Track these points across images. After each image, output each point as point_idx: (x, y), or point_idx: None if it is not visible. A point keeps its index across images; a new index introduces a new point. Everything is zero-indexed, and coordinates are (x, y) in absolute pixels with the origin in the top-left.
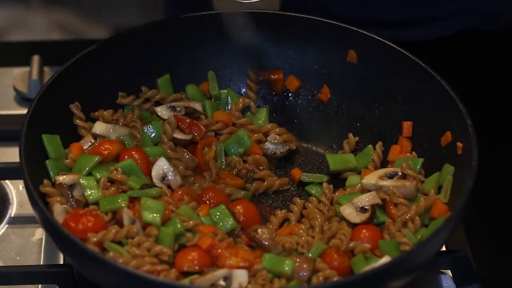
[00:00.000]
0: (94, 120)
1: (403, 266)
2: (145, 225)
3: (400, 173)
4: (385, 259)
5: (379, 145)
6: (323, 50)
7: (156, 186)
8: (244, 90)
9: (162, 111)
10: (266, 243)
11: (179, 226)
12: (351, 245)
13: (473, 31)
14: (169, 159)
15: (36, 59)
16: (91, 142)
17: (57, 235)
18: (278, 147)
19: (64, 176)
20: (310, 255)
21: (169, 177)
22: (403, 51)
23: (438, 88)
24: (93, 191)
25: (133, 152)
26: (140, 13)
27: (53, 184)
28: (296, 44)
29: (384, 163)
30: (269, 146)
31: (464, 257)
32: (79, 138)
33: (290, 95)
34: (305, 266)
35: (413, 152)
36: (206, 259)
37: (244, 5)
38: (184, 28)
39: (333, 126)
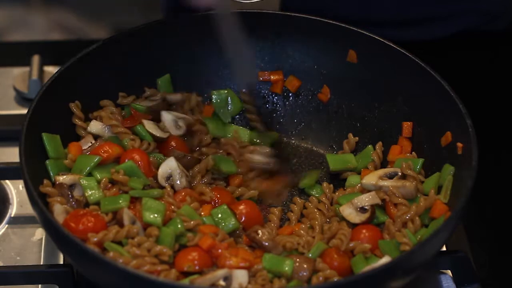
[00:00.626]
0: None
1: (403, 266)
2: (146, 226)
3: (400, 173)
4: (385, 259)
5: (379, 145)
6: (323, 50)
7: (159, 186)
8: (244, 90)
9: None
10: (266, 244)
11: (179, 226)
12: (351, 245)
13: (473, 31)
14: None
15: (36, 59)
16: (91, 142)
17: (57, 235)
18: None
19: (64, 176)
20: (310, 255)
21: (176, 178)
22: (403, 51)
23: (438, 88)
24: (93, 191)
25: (134, 154)
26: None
27: (53, 184)
28: (296, 44)
29: (384, 163)
30: (258, 158)
31: (464, 257)
32: (79, 138)
33: (290, 95)
34: (305, 266)
35: (413, 152)
36: (207, 259)
37: (244, 5)
38: (184, 28)
39: (333, 126)
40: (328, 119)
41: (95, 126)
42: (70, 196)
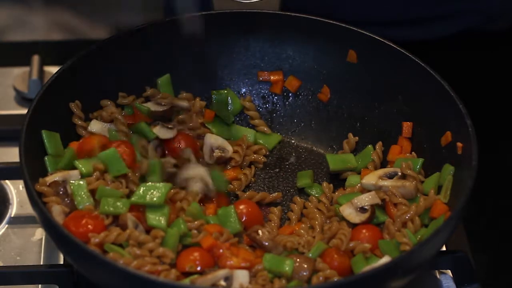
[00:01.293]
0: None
1: (403, 266)
2: (148, 229)
3: (399, 173)
4: (385, 259)
5: (379, 145)
6: (323, 50)
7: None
8: (244, 90)
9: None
10: (267, 243)
11: (182, 227)
12: (351, 245)
13: (473, 31)
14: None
15: (36, 59)
16: None
17: (57, 235)
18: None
19: (53, 175)
20: (310, 255)
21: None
22: (403, 51)
23: (438, 88)
24: (82, 197)
25: (119, 144)
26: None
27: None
28: (296, 44)
29: (384, 163)
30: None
31: (464, 257)
32: (79, 138)
33: (290, 95)
34: (305, 266)
35: (413, 152)
36: (208, 260)
37: (244, 5)
38: (184, 28)
39: (333, 126)
40: (328, 119)
41: (95, 125)
42: (64, 193)
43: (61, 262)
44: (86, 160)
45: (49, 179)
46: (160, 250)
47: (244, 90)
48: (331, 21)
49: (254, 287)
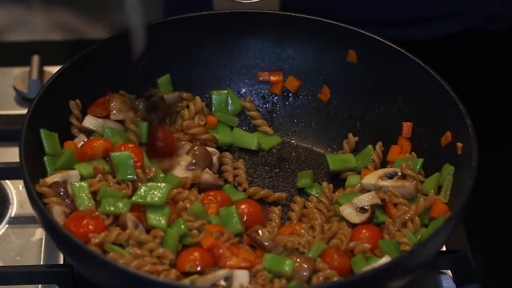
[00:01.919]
0: None
1: (403, 266)
2: (148, 228)
3: (399, 173)
4: (385, 259)
5: (379, 145)
6: (323, 50)
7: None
8: (244, 90)
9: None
10: (267, 243)
11: (183, 227)
12: (351, 245)
13: (473, 31)
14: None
15: (36, 59)
16: (83, 141)
17: (57, 235)
18: None
19: (54, 175)
20: (310, 255)
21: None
22: (403, 51)
23: (438, 88)
24: (83, 199)
25: (131, 146)
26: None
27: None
28: (296, 44)
29: (384, 163)
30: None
31: (464, 257)
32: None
33: (290, 95)
34: (305, 266)
35: (412, 153)
36: (208, 260)
37: (244, 5)
38: (184, 28)
39: (333, 126)
40: (328, 119)
41: (90, 121)
42: (64, 193)
43: (61, 262)
44: (87, 163)
45: (50, 179)
46: (160, 251)
47: (244, 90)
48: (331, 21)
49: (254, 287)
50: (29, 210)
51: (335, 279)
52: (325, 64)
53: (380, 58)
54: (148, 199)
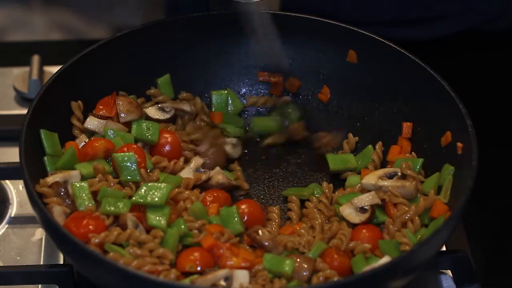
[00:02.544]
0: None
1: (403, 266)
2: (148, 228)
3: (399, 173)
4: (385, 259)
5: (379, 145)
6: (323, 50)
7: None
8: (244, 90)
9: (151, 111)
10: (267, 243)
11: (183, 227)
12: (351, 245)
13: (473, 31)
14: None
15: (36, 59)
16: (85, 141)
17: (57, 236)
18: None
19: (54, 175)
20: (310, 255)
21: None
22: (403, 51)
23: (438, 88)
24: (83, 199)
25: (134, 147)
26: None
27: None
28: (296, 44)
29: (383, 163)
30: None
31: (464, 257)
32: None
33: (290, 95)
34: (305, 266)
35: (412, 153)
36: (208, 260)
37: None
38: (184, 28)
39: (333, 126)
40: (328, 119)
41: (92, 122)
42: (64, 193)
43: (61, 262)
44: (88, 163)
45: (50, 179)
46: (160, 251)
47: (244, 90)
48: (331, 21)
49: (254, 287)
50: (29, 210)
51: (335, 279)
52: (325, 64)
53: (380, 58)
54: (149, 199)
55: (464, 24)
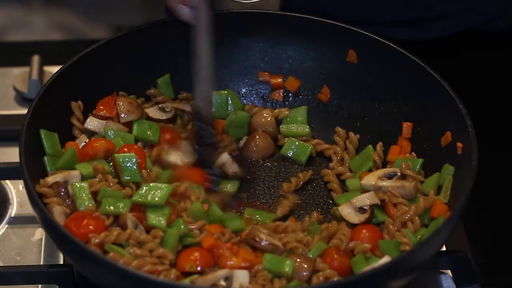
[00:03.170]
0: None
1: (403, 266)
2: (148, 228)
3: (399, 174)
4: (385, 259)
5: (379, 145)
6: (323, 50)
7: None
8: (244, 90)
9: (152, 111)
10: (267, 247)
11: (183, 227)
12: (351, 245)
13: (473, 31)
14: None
15: (36, 59)
16: (85, 142)
17: (57, 236)
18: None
19: (54, 175)
20: (310, 255)
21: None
22: (403, 51)
23: (438, 88)
24: (83, 199)
25: (136, 147)
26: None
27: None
28: (296, 44)
29: (383, 164)
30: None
31: (464, 257)
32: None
33: (290, 95)
34: (305, 266)
35: (412, 153)
36: (208, 260)
37: (244, 5)
38: (184, 28)
39: (333, 126)
40: (328, 119)
41: (92, 122)
42: (64, 193)
43: (61, 262)
44: (88, 163)
45: (50, 180)
46: (160, 251)
47: (244, 90)
48: (331, 21)
49: (254, 287)
50: (29, 210)
51: (335, 279)
52: (325, 64)
53: (380, 58)
54: (149, 198)
55: (464, 24)
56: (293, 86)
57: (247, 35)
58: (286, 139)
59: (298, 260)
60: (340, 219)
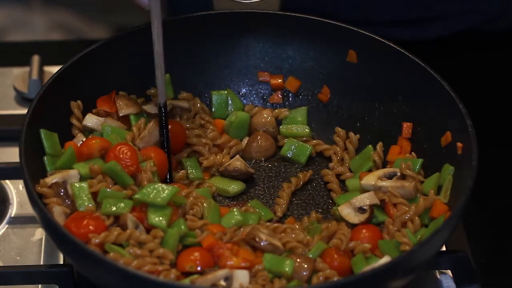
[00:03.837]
0: None
1: (403, 266)
2: (149, 228)
3: (399, 174)
4: (385, 259)
5: (380, 145)
6: (323, 50)
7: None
8: (244, 90)
9: (149, 108)
10: (266, 247)
11: (183, 227)
12: (351, 245)
13: (473, 31)
14: None
15: (36, 59)
16: (82, 140)
17: (57, 236)
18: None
19: (53, 175)
20: (310, 255)
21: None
22: (403, 51)
23: (438, 88)
24: (83, 200)
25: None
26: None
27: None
28: (296, 44)
29: (383, 164)
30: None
31: (464, 257)
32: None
33: (290, 95)
34: (305, 266)
35: (412, 153)
36: (208, 260)
37: (244, 5)
38: (184, 28)
39: (333, 126)
40: (328, 119)
41: (90, 120)
42: (65, 193)
43: (61, 262)
44: (85, 163)
45: (50, 180)
46: (160, 251)
47: (244, 90)
48: (331, 21)
49: (254, 287)
50: (29, 210)
51: (335, 279)
52: (325, 64)
53: (380, 58)
54: (151, 197)
55: (464, 24)
56: (293, 86)
57: (247, 35)
58: (286, 139)
59: (298, 260)
60: (340, 219)
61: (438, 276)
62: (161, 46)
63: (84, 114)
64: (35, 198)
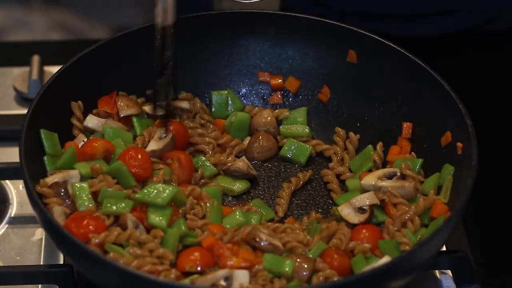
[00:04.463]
0: None
1: (403, 266)
2: (149, 228)
3: (399, 174)
4: (385, 259)
5: (380, 145)
6: (323, 50)
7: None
8: (244, 90)
9: (149, 108)
10: (267, 247)
11: (183, 227)
12: (351, 245)
13: (473, 31)
14: None
15: (36, 59)
16: (83, 141)
17: (57, 236)
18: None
19: (54, 175)
20: (310, 255)
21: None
22: (403, 51)
23: (438, 88)
24: (83, 200)
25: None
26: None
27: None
28: (296, 44)
29: (383, 164)
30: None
31: (464, 257)
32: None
33: (290, 95)
34: (305, 266)
35: (412, 153)
36: (209, 260)
37: (244, 5)
38: (184, 28)
39: (333, 126)
40: (328, 119)
41: (92, 121)
42: (64, 193)
43: (61, 262)
44: (86, 163)
45: (50, 180)
46: (160, 251)
47: (244, 90)
48: (331, 21)
49: (254, 287)
50: (29, 210)
51: (335, 279)
52: (325, 64)
53: (380, 58)
54: (152, 197)
55: (464, 23)
56: (293, 86)
57: (247, 35)
58: (286, 139)
59: (298, 260)
60: (340, 219)
61: (438, 276)
62: None
63: (84, 114)
64: (35, 198)
